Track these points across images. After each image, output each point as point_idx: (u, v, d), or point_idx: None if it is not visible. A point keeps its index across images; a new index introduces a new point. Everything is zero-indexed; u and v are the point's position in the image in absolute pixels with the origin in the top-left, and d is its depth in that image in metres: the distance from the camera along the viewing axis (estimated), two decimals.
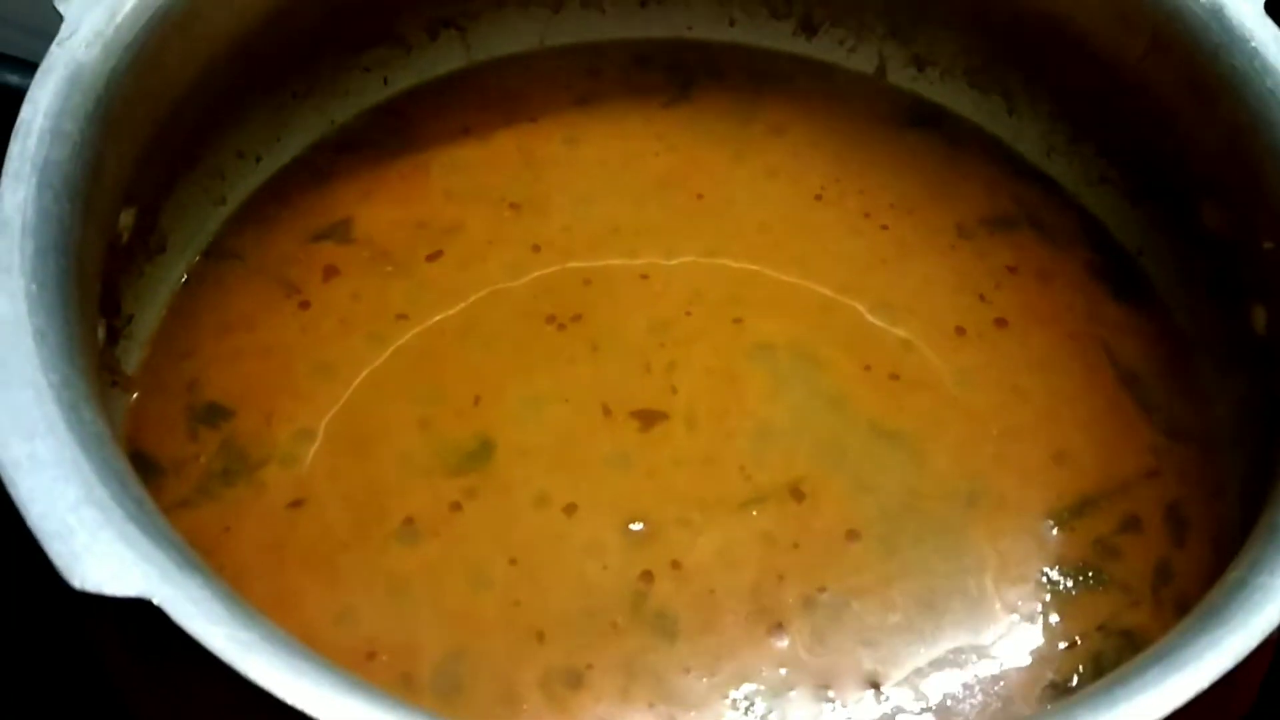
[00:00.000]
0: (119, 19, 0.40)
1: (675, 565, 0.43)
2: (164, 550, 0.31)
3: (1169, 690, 0.32)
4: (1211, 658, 0.33)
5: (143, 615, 0.31)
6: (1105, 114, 0.52)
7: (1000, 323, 0.50)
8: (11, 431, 0.32)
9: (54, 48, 0.38)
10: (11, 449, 0.32)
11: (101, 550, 0.31)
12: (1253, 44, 0.44)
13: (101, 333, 0.44)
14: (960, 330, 0.50)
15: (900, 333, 0.50)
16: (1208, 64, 0.45)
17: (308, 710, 0.30)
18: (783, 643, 0.42)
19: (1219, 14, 0.44)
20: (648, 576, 0.43)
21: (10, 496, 0.32)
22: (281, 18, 0.48)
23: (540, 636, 0.42)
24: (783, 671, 0.42)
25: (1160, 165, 0.50)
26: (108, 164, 0.40)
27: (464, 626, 0.42)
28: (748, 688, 0.41)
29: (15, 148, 0.36)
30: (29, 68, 0.55)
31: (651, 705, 0.41)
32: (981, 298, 0.51)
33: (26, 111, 0.37)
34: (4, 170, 0.36)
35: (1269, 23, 0.44)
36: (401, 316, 0.49)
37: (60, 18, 0.39)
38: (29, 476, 0.32)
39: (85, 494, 0.32)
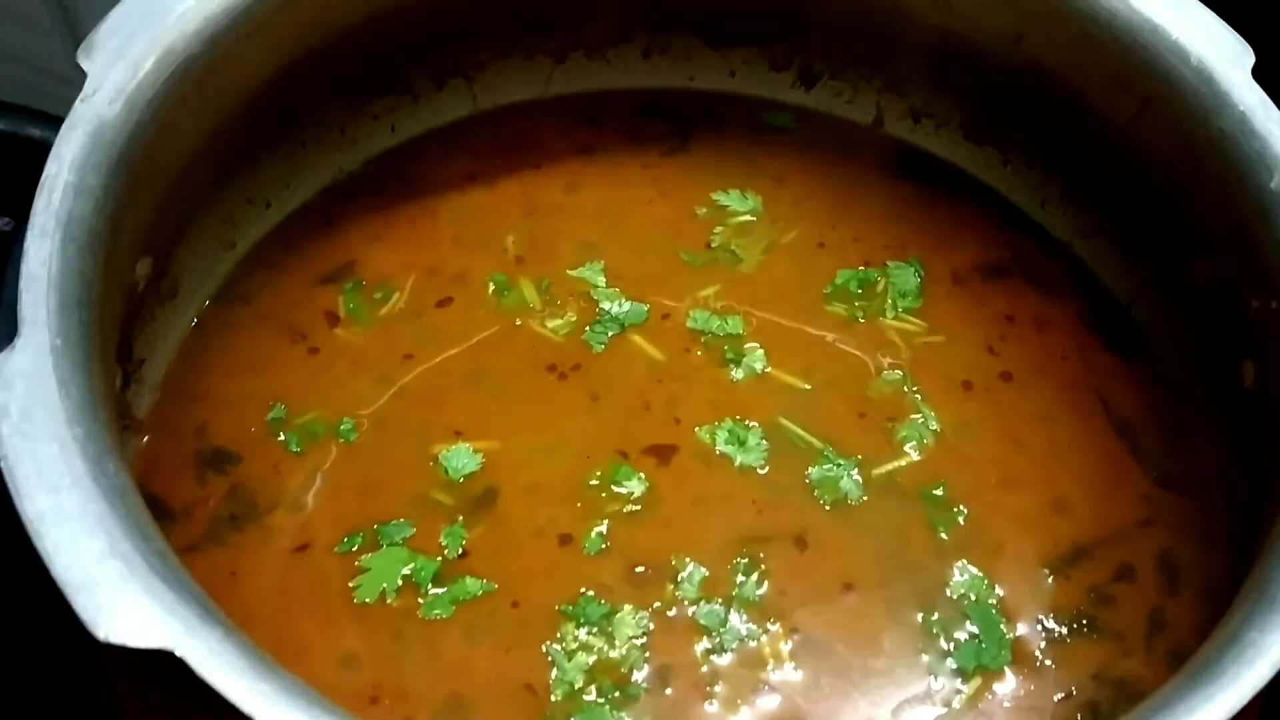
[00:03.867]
0: (140, 76, 0.41)
1: (675, 605, 0.44)
2: (186, 603, 0.32)
3: None
4: (1205, 712, 0.33)
5: (163, 666, 0.31)
6: (1098, 169, 0.53)
7: (1005, 375, 0.51)
8: (38, 484, 0.33)
9: (78, 104, 0.39)
10: (38, 501, 0.32)
11: (126, 603, 0.31)
12: (1240, 108, 0.45)
13: (116, 378, 0.44)
14: (967, 384, 0.51)
15: (900, 380, 0.51)
16: (1197, 126, 0.46)
17: None
18: (779, 687, 0.43)
19: (1208, 79, 0.45)
20: (648, 618, 0.44)
21: (33, 547, 0.32)
22: (293, 71, 0.49)
23: (530, 689, 0.42)
24: (779, 716, 0.42)
25: (1152, 220, 0.51)
26: (127, 215, 0.41)
27: (461, 674, 0.42)
28: None
29: (40, 203, 0.37)
30: (51, 121, 0.56)
31: None
32: (990, 350, 0.52)
33: (51, 167, 0.38)
34: (29, 225, 0.37)
35: (1256, 88, 0.45)
36: (408, 357, 0.50)
37: (84, 74, 0.40)
38: (55, 529, 0.32)
39: (110, 547, 0.32)
